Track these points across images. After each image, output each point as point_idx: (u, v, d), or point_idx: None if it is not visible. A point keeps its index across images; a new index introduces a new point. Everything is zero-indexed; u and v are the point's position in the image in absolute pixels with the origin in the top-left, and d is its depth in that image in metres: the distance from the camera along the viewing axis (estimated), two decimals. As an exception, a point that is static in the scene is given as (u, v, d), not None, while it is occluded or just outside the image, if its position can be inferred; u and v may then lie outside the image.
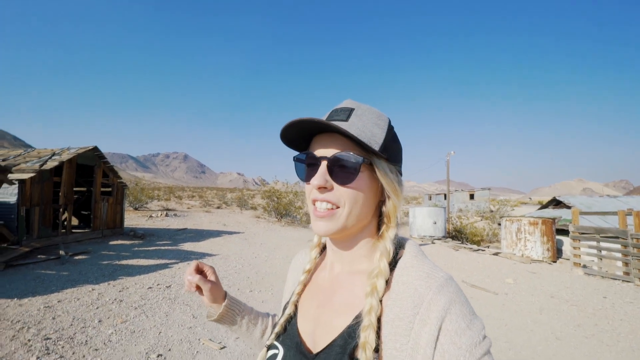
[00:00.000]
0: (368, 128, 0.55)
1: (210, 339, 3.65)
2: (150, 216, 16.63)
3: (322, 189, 0.55)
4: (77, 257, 7.35)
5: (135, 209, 19.01)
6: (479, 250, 11.60)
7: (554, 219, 11.05)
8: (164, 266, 6.89)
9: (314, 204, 0.56)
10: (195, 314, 4.38)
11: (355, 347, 0.49)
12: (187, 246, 9.47)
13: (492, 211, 33.85)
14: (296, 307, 0.65)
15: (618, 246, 7.85)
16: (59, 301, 4.55)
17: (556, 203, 17.20)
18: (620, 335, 4.32)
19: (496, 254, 10.84)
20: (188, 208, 22.88)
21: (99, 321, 3.97)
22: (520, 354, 3.67)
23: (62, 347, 3.31)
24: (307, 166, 0.58)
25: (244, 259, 8.11)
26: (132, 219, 15.14)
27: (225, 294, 0.76)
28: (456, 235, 15.52)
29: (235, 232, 13.17)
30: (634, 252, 7.43)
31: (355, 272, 0.59)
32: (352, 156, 0.53)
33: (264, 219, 18.78)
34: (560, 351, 3.78)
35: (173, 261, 7.39)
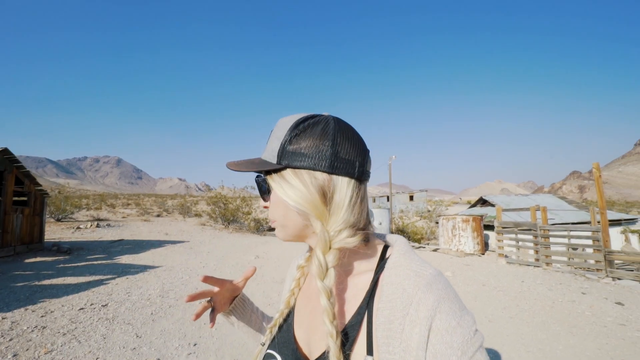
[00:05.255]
0: (271, 146, 0.55)
1: (158, 359, 3.37)
2: (78, 227, 14.66)
3: (266, 207, 0.60)
4: (-20, 281, 6.16)
5: (58, 220, 16.60)
6: (420, 247, 12.58)
7: (481, 216, 12.51)
8: (98, 283, 6.15)
9: None
10: (139, 332, 4.00)
11: (349, 355, 0.49)
12: (125, 259, 8.57)
13: (429, 211, 36.94)
14: (290, 305, 0.64)
15: (530, 237, 9.23)
16: (-42, 335, 3.77)
17: (483, 202, 19.48)
18: (535, 312, 5.09)
19: (435, 250, 11.88)
20: (123, 217, 20.71)
21: (14, 355, 3.38)
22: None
23: (-32, 389, 2.76)
24: None
25: (190, 269, 7.62)
26: (55, 232, 13.19)
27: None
28: (399, 234, 16.62)
29: (179, 242, 12.29)
30: (542, 242, 8.81)
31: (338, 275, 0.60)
32: (258, 178, 0.59)
33: (209, 226, 17.86)
34: (492, 331, 4.31)
35: (109, 277, 6.63)
